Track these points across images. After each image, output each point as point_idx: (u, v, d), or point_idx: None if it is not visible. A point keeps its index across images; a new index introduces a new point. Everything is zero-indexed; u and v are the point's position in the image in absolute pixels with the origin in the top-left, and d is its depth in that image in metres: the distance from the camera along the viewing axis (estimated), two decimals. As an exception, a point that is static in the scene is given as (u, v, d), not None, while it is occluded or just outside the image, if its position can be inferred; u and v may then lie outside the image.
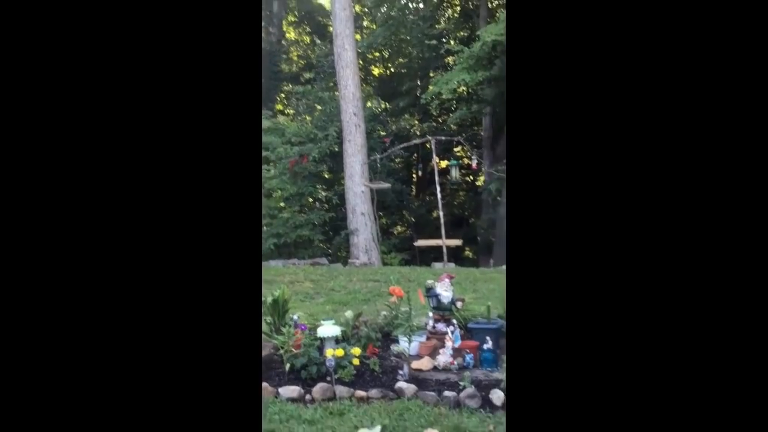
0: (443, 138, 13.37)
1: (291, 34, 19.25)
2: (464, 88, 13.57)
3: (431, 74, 15.63)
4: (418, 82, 16.65)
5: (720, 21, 1.54)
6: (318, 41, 18.62)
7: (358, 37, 13.16)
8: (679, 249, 1.54)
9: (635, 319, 1.55)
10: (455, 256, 12.88)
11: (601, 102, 1.60)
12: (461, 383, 3.86)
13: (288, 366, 4.07)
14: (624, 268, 1.56)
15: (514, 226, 1.67)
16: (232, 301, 1.61)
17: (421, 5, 16.83)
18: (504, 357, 4.12)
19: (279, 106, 16.90)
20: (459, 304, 4.78)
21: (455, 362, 4.18)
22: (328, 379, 3.97)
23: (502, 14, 12.54)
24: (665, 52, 1.58)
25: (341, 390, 3.89)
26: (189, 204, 1.61)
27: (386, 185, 12.21)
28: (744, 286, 1.49)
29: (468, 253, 14.86)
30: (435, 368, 4.15)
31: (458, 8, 17.45)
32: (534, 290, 1.61)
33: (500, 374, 3.91)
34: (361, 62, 14.04)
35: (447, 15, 17.54)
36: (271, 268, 9.31)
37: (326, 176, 13.95)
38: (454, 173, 13.62)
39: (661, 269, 1.55)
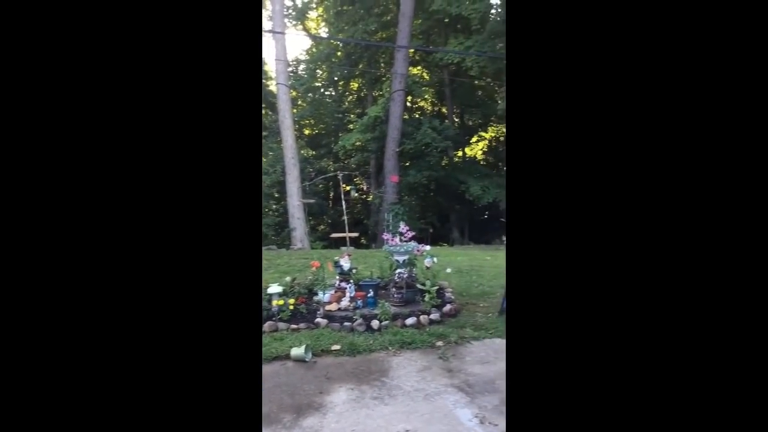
0: (347, 172, 13.67)
1: (252, 108, 18.63)
2: (359, 143, 13.76)
3: (340, 134, 15.57)
4: (332, 139, 16.60)
5: (719, 20, 1.01)
6: (270, 113, 18.08)
7: (294, 110, 12.90)
8: (669, 242, 1.02)
9: (631, 313, 1.03)
10: (354, 243, 12.95)
11: (599, 102, 1.06)
12: (354, 317, 3.92)
13: (248, 312, 3.97)
14: (617, 264, 1.04)
15: (514, 224, 1.14)
16: (232, 299, 1.11)
17: (333, 93, 16.83)
18: (378, 301, 4.24)
19: (245, 152, 16.33)
20: (354, 271, 4.83)
21: (351, 305, 4.23)
22: (274, 318, 3.89)
23: (380, 100, 12.80)
24: (665, 53, 1.02)
25: (281, 325, 3.83)
26: (193, 205, 1.09)
27: (313, 201, 12.18)
28: (738, 274, 0.98)
29: (362, 240, 14.91)
30: (339, 309, 4.17)
31: (355, 96, 17.65)
32: (531, 286, 1.10)
33: (377, 311, 3.99)
34: (296, 126, 13.78)
35: (348, 99, 17.61)
36: (239, 252, 8.94)
37: (276, 196, 13.62)
38: (353, 193, 13.78)
39: (658, 266, 1.02)
